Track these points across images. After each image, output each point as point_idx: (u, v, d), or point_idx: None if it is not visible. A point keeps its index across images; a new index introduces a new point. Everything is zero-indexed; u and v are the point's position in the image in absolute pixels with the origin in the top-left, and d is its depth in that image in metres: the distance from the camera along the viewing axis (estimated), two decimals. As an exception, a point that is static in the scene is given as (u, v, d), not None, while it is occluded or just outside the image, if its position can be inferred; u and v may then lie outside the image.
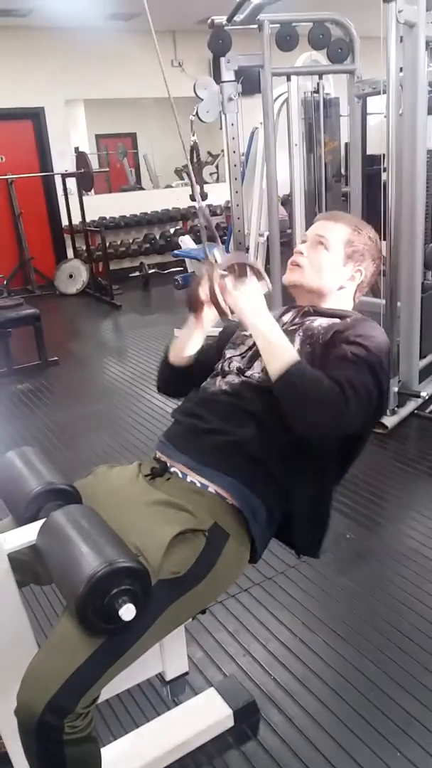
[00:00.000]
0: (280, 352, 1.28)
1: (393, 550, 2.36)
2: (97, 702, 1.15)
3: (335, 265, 1.44)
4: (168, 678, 1.51)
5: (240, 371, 1.41)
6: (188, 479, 1.33)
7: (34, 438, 3.55)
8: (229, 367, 1.45)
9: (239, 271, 1.40)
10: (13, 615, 1.25)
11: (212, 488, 1.30)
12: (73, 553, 1.10)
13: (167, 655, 1.48)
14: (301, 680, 1.80)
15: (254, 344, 1.40)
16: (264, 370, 1.35)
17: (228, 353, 1.49)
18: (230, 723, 1.67)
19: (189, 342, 1.54)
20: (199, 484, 1.31)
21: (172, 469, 1.37)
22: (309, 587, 2.18)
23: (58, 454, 3.30)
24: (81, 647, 1.09)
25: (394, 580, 2.19)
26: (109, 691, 1.30)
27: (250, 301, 1.33)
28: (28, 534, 1.24)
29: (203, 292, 1.40)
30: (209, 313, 1.47)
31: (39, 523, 1.23)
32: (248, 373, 1.40)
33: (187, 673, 1.58)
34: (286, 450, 1.31)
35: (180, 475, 1.35)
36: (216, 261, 1.38)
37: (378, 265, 1.51)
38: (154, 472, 1.37)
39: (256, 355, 1.39)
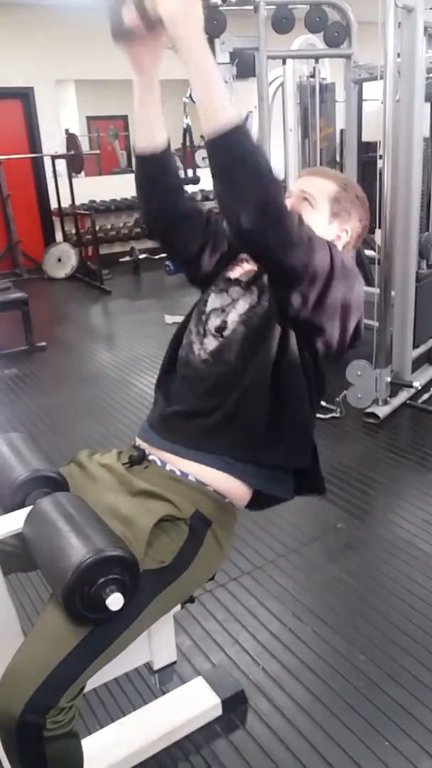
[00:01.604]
0: (219, 98, 1.04)
1: (383, 540, 2.35)
2: (82, 693, 1.12)
3: (320, 223, 1.31)
4: (156, 667, 1.49)
5: (218, 330, 1.33)
6: (167, 467, 1.30)
7: (21, 424, 3.51)
8: (206, 327, 1.35)
9: None
10: (-2, 602, 1.22)
11: (192, 476, 1.27)
12: (60, 541, 1.08)
13: (155, 644, 1.46)
14: (290, 669, 1.79)
15: (237, 297, 1.33)
16: (240, 317, 1.29)
17: (210, 301, 1.37)
18: (218, 712, 1.66)
19: (147, 109, 1.25)
20: (179, 473, 1.28)
21: (151, 457, 1.33)
22: (298, 576, 2.17)
23: (45, 441, 3.26)
24: (67, 638, 1.07)
25: (383, 570, 2.18)
26: (96, 680, 1.28)
27: (182, 7, 1.02)
28: (14, 522, 1.21)
29: (127, 9, 1.08)
30: (142, 47, 1.16)
31: (25, 510, 1.21)
32: (225, 332, 1.32)
33: (175, 662, 1.55)
34: (272, 403, 1.26)
35: (159, 463, 1.31)
36: None
37: (365, 225, 1.40)
38: (132, 460, 1.34)
39: (234, 306, 1.33)
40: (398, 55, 3.05)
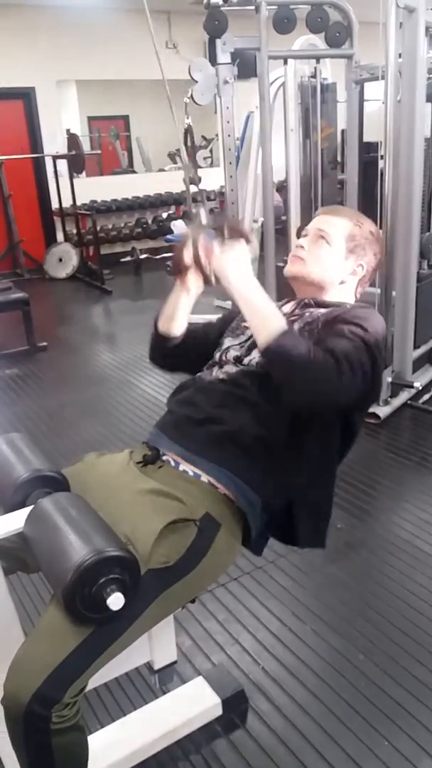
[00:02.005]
0: (267, 319, 1.25)
1: (383, 540, 2.36)
2: (85, 691, 1.13)
3: (337, 260, 1.43)
4: (156, 667, 1.49)
5: (237, 360, 1.39)
6: (180, 467, 1.30)
7: (22, 424, 3.52)
8: (226, 357, 1.42)
9: (226, 233, 1.32)
10: (-1, 603, 1.23)
11: (205, 477, 1.28)
12: (60, 541, 1.08)
13: (156, 644, 1.46)
14: (290, 669, 1.80)
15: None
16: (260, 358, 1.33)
17: (226, 342, 1.47)
18: (219, 712, 1.66)
19: (177, 308, 1.46)
20: (191, 473, 1.29)
21: (164, 457, 1.34)
22: (299, 577, 2.17)
23: (46, 442, 3.26)
24: (69, 637, 1.07)
25: (384, 571, 2.18)
26: (97, 679, 1.29)
27: (235, 265, 1.28)
28: (15, 521, 1.21)
29: (188, 255, 1.32)
30: (194, 279, 1.38)
31: (26, 510, 1.21)
32: (246, 360, 1.38)
33: (175, 662, 1.56)
34: (284, 436, 1.29)
35: (172, 463, 1.32)
36: (202, 222, 1.32)
37: (380, 260, 1.50)
38: (146, 459, 1.35)
39: (255, 344, 1.36)
40: (399, 55, 3.05)
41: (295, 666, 1.80)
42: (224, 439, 1.29)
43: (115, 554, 1.05)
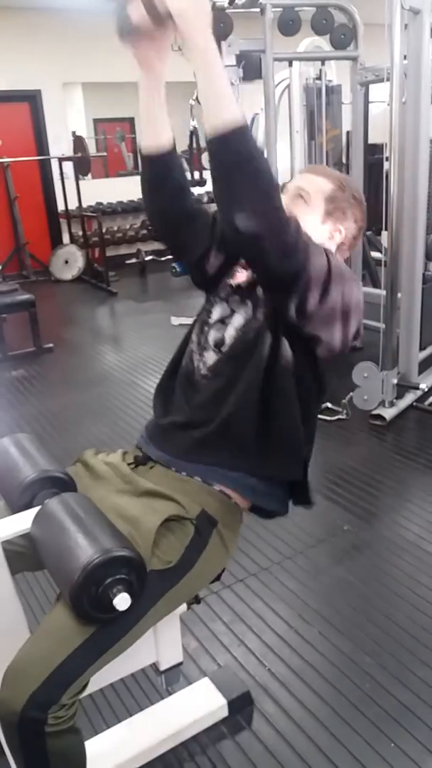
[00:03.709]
0: (223, 98, 1.03)
1: (389, 542, 2.35)
2: (85, 693, 1.13)
3: (313, 221, 1.30)
4: (162, 668, 1.49)
5: (217, 346, 1.33)
6: (172, 468, 1.31)
7: (29, 425, 3.52)
8: (207, 340, 1.35)
9: None
10: (6, 603, 1.23)
11: (198, 477, 1.28)
12: (68, 541, 1.08)
13: (162, 645, 1.46)
14: (296, 671, 1.79)
15: (236, 309, 1.33)
16: (237, 332, 1.29)
17: (213, 313, 1.36)
18: (224, 713, 1.66)
19: (152, 108, 1.25)
20: (184, 474, 1.29)
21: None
22: (305, 578, 2.17)
23: (52, 442, 3.27)
24: (72, 636, 1.07)
25: (390, 572, 2.18)
26: (102, 680, 1.29)
27: (192, 3, 1.03)
28: (22, 522, 1.22)
29: (134, 5, 1.08)
30: (150, 44, 1.17)
31: (33, 510, 1.22)
32: (224, 347, 1.31)
33: (181, 663, 1.56)
34: (262, 414, 1.25)
35: (163, 463, 1.32)
36: None
37: (361, 227, 1.38)
38: (137, 460, 1.35)
39: (231, 319, 1.32)
40: (405, 57, 3.05)
41: (301, 668, 1.80)
42: (210, 440, 1.27)
43: (123, 554, 1.05)
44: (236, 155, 1.03)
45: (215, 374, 1.31)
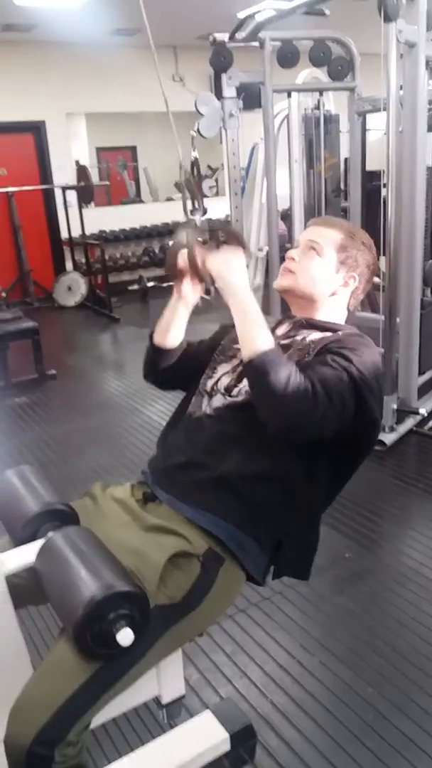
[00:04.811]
0: (257, 331, 1.24)
1: (391, 569, 2.35)
2: (90, 728, 1.13)
3: (328, 271, 1.40)
4: (164, 701, 1.49)
5: (227, 391, 1.38)
6: (175, 507, 1.31)
7: (31, 453, 3.54)
8: (216, 387, 1.41)
9: (220, 236, 1.32)
10: (9, 638, 1.23)
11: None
12: (71, 576, 1.09)
13: (164, 678, 1.46)
14: (298, 702, 1.79)
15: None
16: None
17: (220, 369, 1.44)
18: (227, 747, 1.64)
19: (172, 320, 1.46)
20: (188, 514, 1.29)
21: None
22: (306, 607, 2.16)
23: (54, 470, 3.28)
24: (76, 673, 1.08)
25: (392, 601, 2.17)
26: (104, 715, 1.29)
27: (231, 265, 1.27)
28: (26, 555, 1.22)
29: (182, 258, 1.33)
30: (189, 285, 1.40)
31: (37, 544, 1.22)
32: (235, 391, 1.36)
33: (183, 696, 1.56)
34: (272, 474, 1.28)
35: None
36: (197, 225, 1.33)
37: (373, 271, 1.46)
38: (146, 496, 1.36)
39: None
40: (401, 87, 3.11)
41: (303, 699, 1.79)
42: (211, 484, 1.28)
43: (126, 590, 1.06)
44: (265, 375, 1.18)
45: (220, 417, 1.35)
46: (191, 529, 1.25)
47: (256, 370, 1.21)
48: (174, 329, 1.47)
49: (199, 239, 1.32)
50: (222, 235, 1.32)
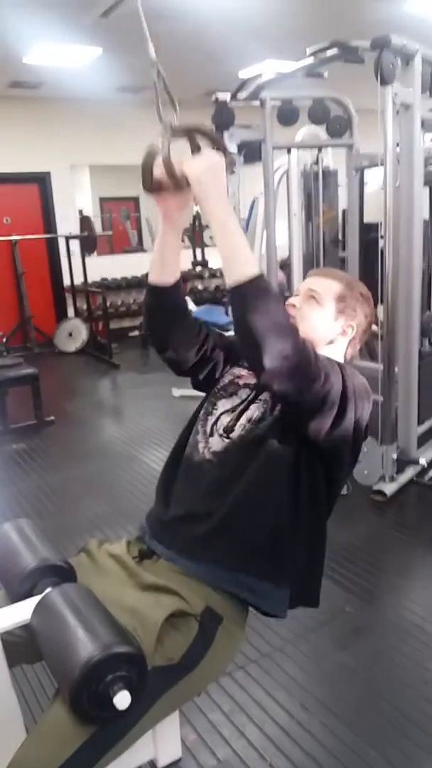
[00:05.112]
0: (240, 252, 1.15)
1: (393, 624, 2.30)
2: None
3: (326, 320, 1.41)
4: (160, 765, 1.45)
5: (226, 432, 1.37)
6: (177, 563, 1.30)
7: (28, 501, 3.50)
8: (216, 427, 1.39)
9: (197, 139, 1.20)
10: (2, 699, 1.21)
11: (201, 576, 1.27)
12: (68, 635, 1.07)
13: (160, 740, 1.42)
14: (298, 766, 1.73)
15: (247, 398, 1.38)
16: (249, 424, 1.33)
17: (219, 406, 1.43)
18: None
19: (165, 250, 1.37)
20: (187, 569, 1.28)
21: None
22: (306, 664, 2.12)
23: (51, 519, 3.24)
24: (71, 737, 1.05)
25: (393, 658, 2.13)
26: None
27: (207, 171, 1.15)
28: (22, 612, 1.21)
29: (158, 168, 1.21)
30: (172, 200, 1.28)
31: (33, 600, 1.21)
32: (234, 433, 1.35)
33: (180, 759, 1.51)
34: (272, 513, 1.27)
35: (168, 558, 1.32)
36: (173, 125, 1.19)
37: (370, 322, 1.48)
38: (142, 553, 1.35)
39: (246, 409, 1.37)
40: (397, 144, 3.20)
41: (303, 762, 1.74)
42: (210, 537, 1.27)
43: (123, 651, 1.04)
44: (254, 302, 1.12)
45: (220, 461, 1.34)
46: (189, 587, 1.24)
47: (244, 298, 1.12)
48: (170, 261, 1.39)
49: (175, 139, 1.19)
50: (199, 137, 1.21)
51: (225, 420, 1.39)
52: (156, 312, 1.44)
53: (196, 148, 1.20)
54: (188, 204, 1.30)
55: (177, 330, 1.45)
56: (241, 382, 1.43)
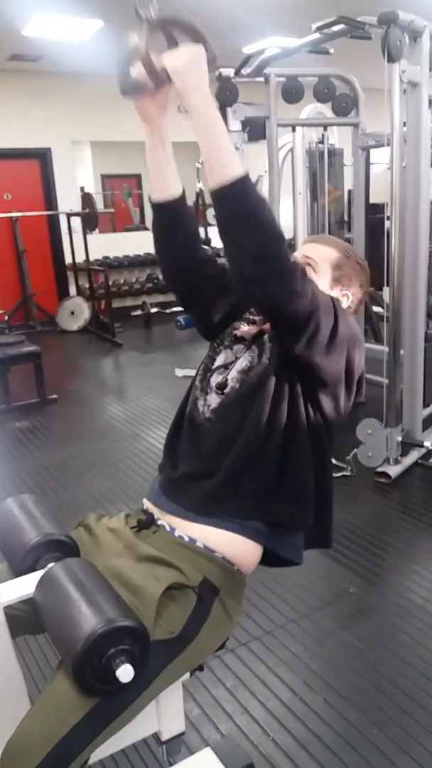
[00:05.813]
0: (224, 149, 1.09)
1: (396, 605, 2.31)
2: (88, 765, 1.10)
3: (322, 287, 1.35)
4: (164, 738, 1.45)
5: (220, 388, 1.35)
6: (176, 533, 1.29)
7: (31, 478, 3.51)
8: (210, 384, 1.38)
9: (175, 32, 1.12)
10: (6, 670, 1.21)
11: (200, 542, 1.26)
12: (71, 609, 1.07)
13: (163, 714, 1.42)
14: (301, 742, 1.74)
15: (240, 355, 1.36)
16: (239, 375, 1.32)
17: (217, 360, 1.41)
18: (227, 787, 1.60)
19: (158, 161, 1.30)
20: (187, 539, 1.27)
21: (159, 522, 1.33)
22: (309, 642, 2.12)
23: (54, 496, 3.25)
24: (74, 709, 1.05)
25: (396, 637, 2.13)
26: (102, 751, 1.25)
27: (188, 65, 1.08)
28: (25, 586, 1.20)
29: (137, 68, 1.12)
30: (150, 101, 1.20)
31: (36, 574, 1.20)
32: (227, 388, 1.34)
33: (183, 733, 1.51)
34: (278, 458, 1.26)
35: (167, 528, 1.31)
36: (149, 19, 1.11)
37: (365, 292, 1.45)
38: (140, 524, 1.34)
39: (235, 364, 1.35)
40: (404, 124, 3.15)
41: (306, 738, 1.75)
42: (220, 492, 1.26)
43: (126, 624, 1.03)
44: (240, 205, 1.08)
45: (219, 418, 1.33)
46: (186, 559, 1.23)
47: (230, 199, 1.07)
48: (168, 173, 1.32)
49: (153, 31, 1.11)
50: (177, 29, 1.13)
51: (218, 377, 1.38)
52: (168, 232, 1.38)
53: (173, 42, 1.12)
54: (168, 103, 1.21)
55: (193, 255, 1.40)
56: (238, 334, 1.41)
